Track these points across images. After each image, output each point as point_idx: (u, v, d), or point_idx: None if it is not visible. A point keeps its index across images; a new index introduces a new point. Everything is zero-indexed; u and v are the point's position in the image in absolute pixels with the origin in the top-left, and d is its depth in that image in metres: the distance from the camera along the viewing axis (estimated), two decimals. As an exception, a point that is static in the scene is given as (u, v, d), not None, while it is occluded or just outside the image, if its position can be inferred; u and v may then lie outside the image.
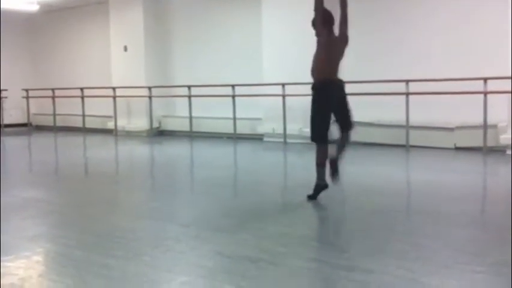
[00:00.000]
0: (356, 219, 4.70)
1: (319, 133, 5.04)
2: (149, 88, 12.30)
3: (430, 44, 9.26)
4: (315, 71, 5.10)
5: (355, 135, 9.88)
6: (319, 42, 5.09)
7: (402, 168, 7.80)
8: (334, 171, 5.16)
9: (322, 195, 5.46)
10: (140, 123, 12.75)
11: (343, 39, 5.17)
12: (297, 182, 6.74)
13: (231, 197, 6.00)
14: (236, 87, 10.92)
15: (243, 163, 8.91)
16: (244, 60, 11.56)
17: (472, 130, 8.57)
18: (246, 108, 11.02)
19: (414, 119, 8.97)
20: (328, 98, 4.99)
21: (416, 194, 5.94)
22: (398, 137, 9.22)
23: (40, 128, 15.21)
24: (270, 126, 10.71)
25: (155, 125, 12.71)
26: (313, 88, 5.08)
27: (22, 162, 9.64)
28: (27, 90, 14.93)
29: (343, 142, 5.17)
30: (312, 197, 5.19)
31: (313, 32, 5.16)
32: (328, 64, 5.09)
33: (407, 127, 8.98)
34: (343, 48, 5.18)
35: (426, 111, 8.96)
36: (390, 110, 9.34)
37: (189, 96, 11.60)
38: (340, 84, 5.13)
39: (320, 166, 5.13)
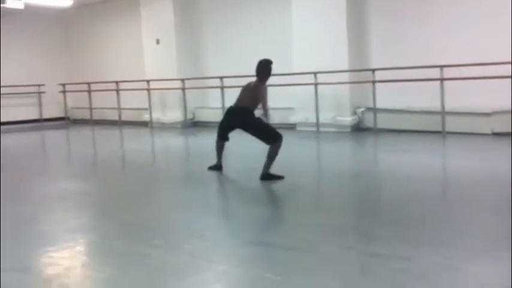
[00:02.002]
0: (391, 207, 4.68)
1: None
2: (182, 80, 12.41)
3: (465, 28, 9.07)
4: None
5: (390, 122, 9.83)
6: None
7: (438, 155, 7.71)
8: (273, 178, 5.82)
9: (356, 184, 5.44)
10: (174, 115, 12.89)
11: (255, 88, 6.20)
12: (331, 171, 6.75)
13: (265, 187, 6.03)
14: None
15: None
16: (275, 49, 11.53)
17: (509, 115, 8.39)
18: (278, 98, 11.01)
19: (450, 105, 8.84)
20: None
21: (452, 181, 5.88)
22: (433, 124, 9.10)
23: (77, 122, 15.53)
24: (302, 115, 10.70)
25: (189, 116, 12.84)
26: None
27: (62, 155, 9.89)
28: (63, 85, 15.26)
29: (269, 151, 5.91)
30: (211, 168, 6.52)
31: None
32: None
33: (442, 113, 8.86)
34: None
35: (462, 97, 8.81)
36: (425, 96, 9.22)
37: (222, 87, 11.67)
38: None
39: (216, 150, 6.51)
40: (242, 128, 6.18)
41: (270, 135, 5.97)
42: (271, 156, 5.89)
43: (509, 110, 8.35)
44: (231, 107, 6.38)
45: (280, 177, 5.83)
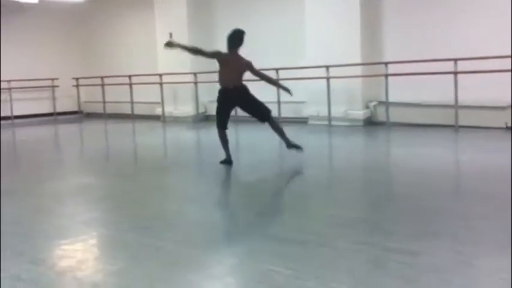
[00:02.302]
0: (404, 201, 4.66)
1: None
2: (194, 74, 12.42)
3: (479, 21, 8.98)
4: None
5: (403, 116, 9.76)
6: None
7: (451, 149, 7.66)
8: (292, 147, 6.50)
9: (368, 178, 5.42)
10: (186, 109, 12.91)
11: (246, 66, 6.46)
12: (343, 165, 6.73)
13: (277, 180, 6.04)
14: (280, 71, 10.91)
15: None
16: (287, 43, 11.52)
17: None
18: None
19: (463, 98, 8.76)
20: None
21: (465, 176, 5.84)
22: (447, 117, 9.04)
23: (90, 116, 15.62)
24: (314, 109, 10.67)
25: (201, 110, 12.86)
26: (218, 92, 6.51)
27: (75, 149, 9.96)
28: (77, 79, 15.35)
29: (275, 127, 6.55)
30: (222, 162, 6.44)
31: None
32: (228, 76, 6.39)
33: (456, 107, 8.79)
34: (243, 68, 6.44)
35: (476, 90, 8.73)
36: (438, 90, 9.15)
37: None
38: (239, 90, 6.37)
39: (222, 144, 6.49)
40: (240, 105, 6.53)
41: (264, 110, 6.44)
42: (281, 131, 6.49)
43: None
44: (224, 89, 6.43)
45: (299, 148, 6.47)
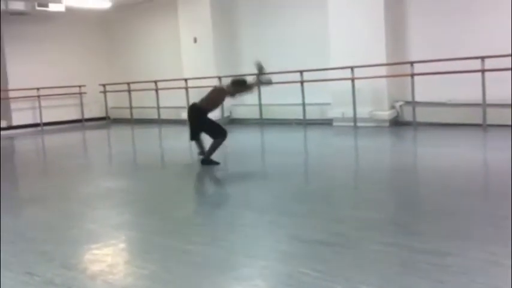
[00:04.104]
0: (432, 201, 4.62)
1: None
2: (219, 78, 12.49)
3: (506, 18, 8.84)
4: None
5: (430, 115, 9.64)
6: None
7: (479, 148, 7.55)
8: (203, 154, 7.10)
9: (395, 179, 5.38)
10: (212, 113, 12.96)
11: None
12: (369, 166, 6.69)
13: (304, 183, 6.04)
14: (304, 73, 10.90)
15: (314, 148, 8.91)
16: (311, 44, 11.51)
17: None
18: (315, 93, 10.98)
19: (491, 97, 8.62)
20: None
21: (494, 175, 5.75)
22: (474, 116, 8.91)
23: (118, 121, 15.82)
24: (339, 110, 10.63)
25: (226, 113, 12.92)
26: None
27: (103, 154, 10.11)
28: (104, 85, 15.57)
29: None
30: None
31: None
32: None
33: (483, 105, 8.65)
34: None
35: (503, 88, 8.58)
36: (465, 88, 9.03)
37: (258, 85, 11.66)
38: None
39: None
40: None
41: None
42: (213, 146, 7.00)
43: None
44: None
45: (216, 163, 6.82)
